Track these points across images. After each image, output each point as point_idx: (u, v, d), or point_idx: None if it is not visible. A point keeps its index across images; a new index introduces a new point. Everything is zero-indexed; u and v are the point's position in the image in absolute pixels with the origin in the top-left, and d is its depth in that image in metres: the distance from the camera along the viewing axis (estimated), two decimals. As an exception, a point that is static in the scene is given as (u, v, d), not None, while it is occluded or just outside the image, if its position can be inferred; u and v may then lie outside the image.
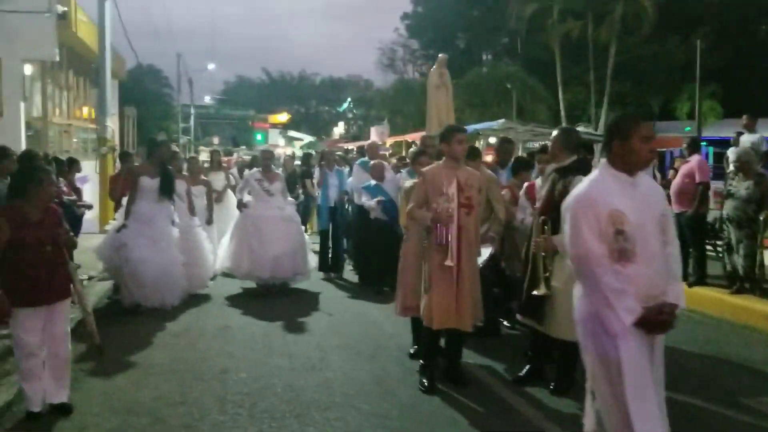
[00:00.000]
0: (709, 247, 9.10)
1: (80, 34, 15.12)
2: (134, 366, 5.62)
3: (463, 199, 5.11)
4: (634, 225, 3.04)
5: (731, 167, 8.73)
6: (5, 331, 5.64)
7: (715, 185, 10.42)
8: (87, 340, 5.41)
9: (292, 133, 50.56)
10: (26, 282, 4.30)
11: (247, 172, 10.98)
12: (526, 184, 5.92)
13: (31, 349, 4.38)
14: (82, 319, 5.30)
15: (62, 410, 4.54)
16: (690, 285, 8.03)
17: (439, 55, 12.89)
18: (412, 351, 5.88)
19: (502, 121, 15.85)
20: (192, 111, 49.96)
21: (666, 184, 9.13)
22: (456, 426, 4.50)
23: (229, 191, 10.66)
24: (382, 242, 8.36)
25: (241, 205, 8.74)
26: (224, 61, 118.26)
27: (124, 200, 7.98)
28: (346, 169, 10.73)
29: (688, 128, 19.77)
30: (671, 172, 11.25)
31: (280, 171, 10.13)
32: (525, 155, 10.01)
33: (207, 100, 64.83)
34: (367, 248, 9.12)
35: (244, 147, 36.96)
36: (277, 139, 47.01)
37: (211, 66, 55.66)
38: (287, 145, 44.85)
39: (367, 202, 8.64)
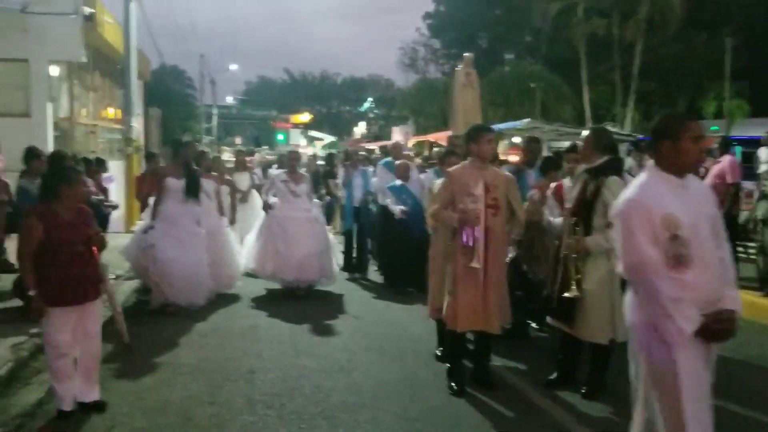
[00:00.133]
0: (739, 249, 8.95)
1: (106, 36, 15.25)
2: (163, 365, 5.63)
3: (489, 200, 5.05)
4: (689, 229, 2.93)
5: (763, 167, 8.57)
6: (35, 329, 5.73)
7: (745, 185, 10.25)
8: (115, 340, 5.45)
9: (314, 133, 50.69)
10: (59, 282, 4.33)
11: (270, 171, 10.99)
12: (553, 184, 5.83)
13: (63, 348, 4.41)
14: (110, 318, 5.33)
15: (96, 408, 4.57)
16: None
17: (465, 55, 12.79)
18: (438, 352, 5.85)
19: (527, 120, 15.68)
20: (214, 111, 50.26)
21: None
22: (485, 429, 4.45)
23: (254, 191, 10.69)
24: (406, 243, 8.33)
25: (267, 207, 8.69)
26: (246, 61, 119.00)
27: (151, 200, 8.03)
28: (371, 169, 10.70)
29: (716, 127, 19.47)
30: (702, 171, 11.08)
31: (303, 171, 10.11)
32: (550, 155, 9.91)
33: (229, 100, 65.30)
34: (391, 249, 9.09)
35: (266, 147, 37.11)
36: (298, 139, 47.14)
37: (233, 66, 56.04)
38: (308, 145, 44.98)
39: (393, 206, 8.61)
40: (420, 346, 6.23)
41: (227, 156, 18.55)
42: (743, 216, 9.00)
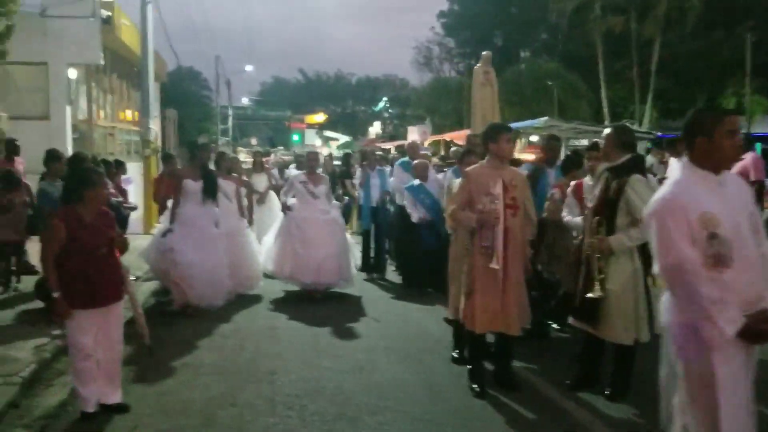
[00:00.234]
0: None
1: (123, 38, 15.37)
2: (184, 367, 5.65)
3: (508, 200, 4.98)
4: (728, 227, 2.83)
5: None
6: (57, 331, 5.76)
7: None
8: (136, 341, 5.46)
9: (329, 133, 50.85)
10: (82, 284, 4.35)
11: (288, 172, 10.98)
12: (573, 183, 5.77)
13: (86, 350, 4.42)
14: (130, 320, 5.34)
15: (119, 410, 4.58)
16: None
17: (483, 53, 12.74)
18: (455, 354, 5.81)
19: (545, 119, 15.60)
20: (230, 112, 50.51)
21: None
22: (508, 431, 4.42)
23: (271, 192, 10.70)
24: (424, 243, 8.29)
25: (285, 208, 8.64)
26: (261, 62, 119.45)
27: (169, 202, 8.04)
28: (388, 169, 10.66)
29: (735, 124, 19.27)
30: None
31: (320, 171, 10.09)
32: (570, 153, 9.83)
33: (244, 101, 65.56)
34: (408, 249, 9.05)
35: (281, 147, 37.23)
36: (313, 139, 47.31)
37: (248, 67, 56.17)
38: (323, 145, 45.09)
39: (410, 210, 8.59)
40: (440, 347, 6.20)
41: (243, 157, 18.60)
42: (766, 214, 8.87)
